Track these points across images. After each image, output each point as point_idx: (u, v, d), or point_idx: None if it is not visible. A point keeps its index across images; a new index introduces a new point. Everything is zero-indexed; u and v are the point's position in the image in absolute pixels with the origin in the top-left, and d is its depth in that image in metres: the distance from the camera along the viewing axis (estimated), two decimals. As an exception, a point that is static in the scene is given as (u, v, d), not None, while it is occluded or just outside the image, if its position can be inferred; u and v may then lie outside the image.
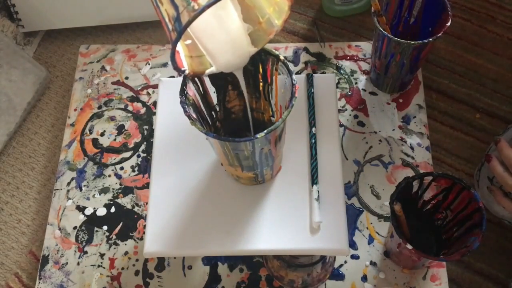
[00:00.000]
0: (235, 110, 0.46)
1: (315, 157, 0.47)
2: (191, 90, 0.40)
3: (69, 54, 0.75)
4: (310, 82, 0.50)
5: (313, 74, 0.51)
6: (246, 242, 0.44)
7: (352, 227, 0.58)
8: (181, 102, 0.38)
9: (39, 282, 0.57)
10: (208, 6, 0.28)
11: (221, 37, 0.36)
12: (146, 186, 0.62)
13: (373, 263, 0.56)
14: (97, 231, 0.60)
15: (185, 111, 0.37)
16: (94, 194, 0.62)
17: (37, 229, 0.63)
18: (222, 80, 0.42)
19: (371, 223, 0.58)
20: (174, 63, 0.34)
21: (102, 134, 0.66)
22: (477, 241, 0.45)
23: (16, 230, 0.63)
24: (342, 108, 0.66)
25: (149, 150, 0.64)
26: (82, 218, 0.60)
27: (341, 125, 0.64)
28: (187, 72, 0.36)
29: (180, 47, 0.36)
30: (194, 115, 0.39)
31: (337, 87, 0.66)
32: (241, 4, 0.36)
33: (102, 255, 0.58)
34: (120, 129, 0.66)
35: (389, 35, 0.55)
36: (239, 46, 0.37)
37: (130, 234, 0.59)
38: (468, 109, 0.66)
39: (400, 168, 0.61)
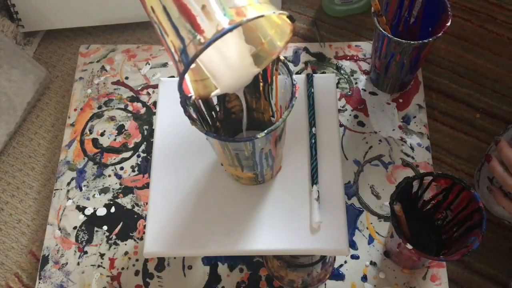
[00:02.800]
0: (235, 110, 0.46)
1: (315, 157, 0.47)
2: (191, 90, 0.40)
3: (69, 54, 0.75)
4: (310, 82, 0.50)
5: (313, 74, 0.51)
6: (246, 242, 0.44)
7: (352, 227, 0.58)
8: (181, 102, 0.38)
9: (39, 282, 0.57)
10: (214, 40, 0.28)
11: (224, 59, 0.36)
12: (146, 186, 0.62)
13: (373, 263, 0.56)
14: (97, 231, 0.60)
15: (185, 111, 0.37)
16: (94, 194, 0.62)
17: (37, 229, 0.63)
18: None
19: (371, 223, 0.58)
20: (181, 92, 0.34)
21: (102, 134, 0.66)
22: (477, 241, 0.45)
23: (16, 230, 0.63)
24: (342, 108, 0.66)
25: (149, 150, 0.64)
26: (82, 218, 0.60)
27: (341, 125, 0.64)
28: (193, 97, 0.36)
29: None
30: (194, 115, 0.39)
31: (337, 87, 0.66)
32: (243, 26, 0.36)
33: (102, 255, 0.58)
34: (120, 129, 0.66)
35: (389, 35, 0.55)
36: (243, 67, 0.37)
37: (130, 234, 0.59)
38: (468, 109, 0.66)
39: (400, 168, 0.61)
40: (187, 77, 0.36)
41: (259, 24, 0.36)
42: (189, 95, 0.36)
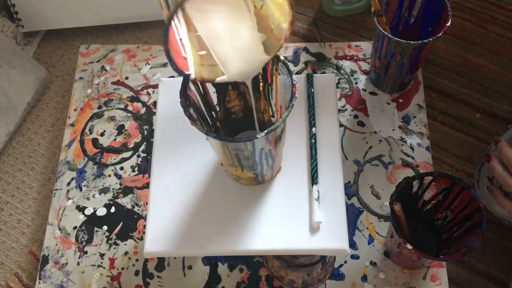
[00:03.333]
0: (235, 110, 0.46)
1: (315, 157, 0.47)
2: (191, 90, 0.40)
3: (69, 54, 0.75)
4: (310, 82, 0.50)
5: (313, 74, 0.51)
6: (246, 242, 0.44)
7: (352, 227, 0.58)
8: (181, 102, 0.38)
9: (39, 282, 0.57)
10: None
11: (237, 48, 0.36)
12: (146, 186, 0.62)
13: (373, 263, 0.56)
14: (97, 231, 0.60)
15: (185, 111, 0.37)
16: (94, 194, 0.62)
17: (37, 229, 0.63)
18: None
19: (371, 223, 0.58)
20: (172, 64, 0.34)
21: (102, 134, 0.66)
22: (477, 241, 0.45)
23: (16, 230, 0.63)
24: (342, 108, 0.66)
25: (149, 150, 0.64)
26: (82, 218, 0.60)
27: (341, 125, 0.64)
28: (192, 77, 0.37)
29: (190, 54, 0.37)
30: (194, 115, 0.39)
31: (337, 87, 0.66)
32: (257, 15, 0.36)
33: (102, 255, 0.58)
34: (120, 129, 0.66)
35: (389, 35, 0.55)
36: (254, 55, 0.37)
37: (130, 234, 0.59)
38: (468, 109, 0.66)
39: (400, 168, 0.61)
40: (190, 58, 0.37)
41: (269, 10, 0.36)
42: (187, 72, 0.36)
